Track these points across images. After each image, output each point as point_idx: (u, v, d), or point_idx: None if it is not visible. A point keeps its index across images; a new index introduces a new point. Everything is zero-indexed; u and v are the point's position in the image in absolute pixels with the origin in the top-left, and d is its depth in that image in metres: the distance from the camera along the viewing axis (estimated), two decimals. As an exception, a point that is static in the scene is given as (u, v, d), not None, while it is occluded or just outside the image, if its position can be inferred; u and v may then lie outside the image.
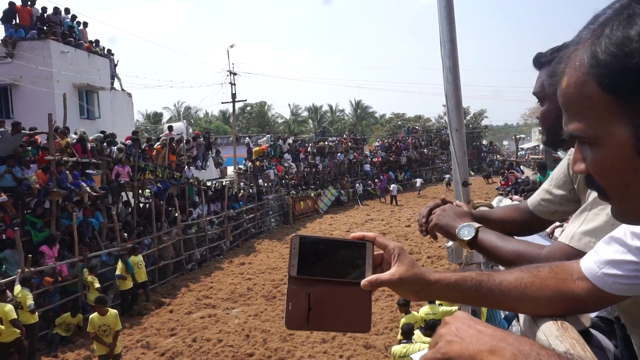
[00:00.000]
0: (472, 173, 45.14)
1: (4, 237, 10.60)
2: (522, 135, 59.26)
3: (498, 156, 49.67)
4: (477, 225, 1.18)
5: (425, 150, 42.82)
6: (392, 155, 38.30)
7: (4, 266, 9.94)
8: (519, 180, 15.13)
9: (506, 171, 19.88)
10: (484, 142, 56.02)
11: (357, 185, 30.67)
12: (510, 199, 12.88)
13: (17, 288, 8.85)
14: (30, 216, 11.18)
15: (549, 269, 0.85)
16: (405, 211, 26.24)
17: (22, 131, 11.54)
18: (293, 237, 0.81)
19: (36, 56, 16.49)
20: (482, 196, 28.49)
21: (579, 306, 0.82)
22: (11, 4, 16.94)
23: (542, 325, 0.79)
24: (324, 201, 27.29)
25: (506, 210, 1.51)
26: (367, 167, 34.48)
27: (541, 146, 15.98)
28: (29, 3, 17.38)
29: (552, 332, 0.74)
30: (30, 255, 9.91)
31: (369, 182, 32.38)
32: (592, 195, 1.00)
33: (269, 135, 27.61)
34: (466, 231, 1.19)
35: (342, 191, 29.21)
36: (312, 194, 26.44)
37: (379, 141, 43.26)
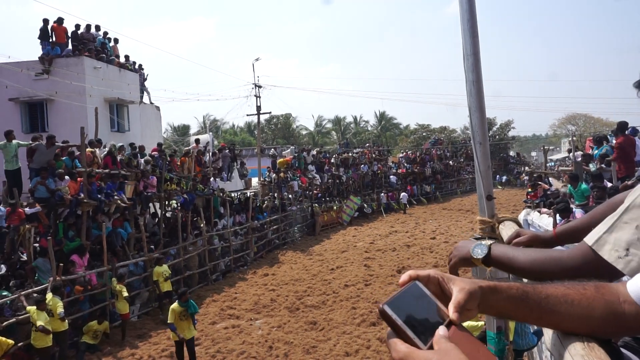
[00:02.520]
0: (500, 186, 44.30)
1: (37, 246, 10.94)
2: (551, 147, 57.90)
3: (526, 167, 48.64)
4: (489, 242, 1.17)
5: (450, 162, 42.32)
6: (416, 166, 37.98)
7: (37, 274, 10.25)
8: (548, 193, 14.74)
9: (530, 179, 19.38)
10: (511, 153, 54.97)
11: (382, 195, 30.51)
12: (539, 211, 12.56)
13: (49, 296, 9.10)
14: (63, 226, 11.53)
15: (594, 289, 0.84)
16: (430, 223, 25.90)
17: (56, 144, 11.96)
18: (382, 311, 0.77)
19: (71, 72, 17.14)
20: (509, 209, 27.89)
21: (626, 328, 0.82)
22: (46, 22, 17.70)
23: (569, 345, 0.78)
24: (347, 212, 27.21)
25: (596, 211, 1.39)
26: (393, 178, 34.27)
27: (571, 157, 15.54)
28: (64, 21, 18.12)
29: (577, 352, 0.73)
30: (62, 264, 10.20)
31: (392, 193, 32.17)
32: (628, 200, 0.96)
33: (293, 147, 27.80)
34: (479, 250, 1.17)
35: (366, 205, 29.06)
36: (335, 207, 26.41)
37: (403, 152, 42.99)
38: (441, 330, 0.75)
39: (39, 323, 8.39)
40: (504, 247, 1.15)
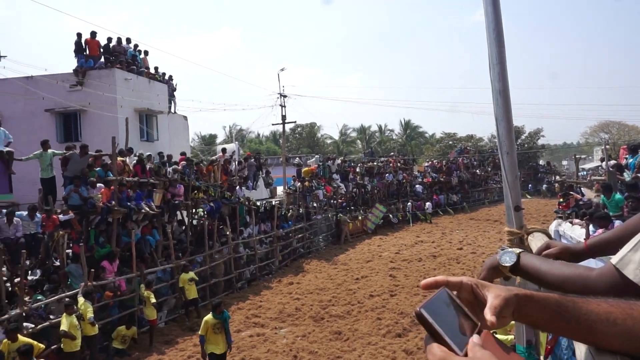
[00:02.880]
0: (528, 196, 43.24)
1: (70, 252, 11.28)
2: (583, 155, 56.24)
3: (556, 177, 47.38)
4: (518, 250, 1.15)
5: (477, 171, 41.61)
6: (442, 175, 37.50)
7: (69, 280, 10.56)
8: (580, 203, 14.30)
9: (561, 189, 18.82)
10: (541, 162, 53.67)
11: (409, 204, 30.24)
12: (571, 222, 12.19)
13: (81, 300, 9.35)
14: (95, 232, 11.85)
15: None
16: (457, 234, 25.47)
17: (89, 153, 12.36)
18: (419, 314, 0.79)
19: (103, 84, 17.73)
20: (539, 219, 27.18)
21: None
22: (79, 36, 18.39)
23: (601, 360, 0.76)
24: (372, 219, 27.05)
25: (628, 224, 1.33)
26: (419, 187, 33.92)
27: (604, 166, 15.06)
28: (97, 35, 18.79)
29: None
30: (93, 270, 10.48)
31: (418, 202, 31.84)
32: None
33: (318, 156, 27.90)
34: (507, 257, 1.15)
35: (391, 215, 28.84)
36: (360, 216, 26.30)
37: (428, 161, 42.55)
38: (475, 337, 0.76)
39: (62, 328, 8.57)
40: (534, 258, 1.12)
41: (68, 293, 9.98)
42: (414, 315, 0.81)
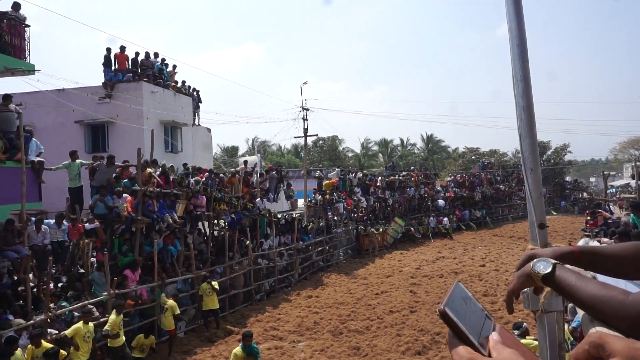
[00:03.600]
0: (554, 212, 42.21)
1: (94, 260, 11.51)
2: (612, 172, 54.69)
3: (584, 194, 46.18)
4: (554, 260, 1.11)
5: (501, 187, 40.88)
6: (465, 190, 36.98)
7: (92, 287, 10.75)
8: (609, 221, 13.89)
9: (589, 206, 18.32)
10: (568, 178, 52.44)
11: (430, 219, 29.87)
12: (599, 241, 11.83)
13: (112, 317, 9.57)
14: (118, 241, 12.08)
15: None
16: (479, 250, 25.00)
17: (115, 164, 12.67)
18: (443, 312, 0.79)
19: (130, 96, 18.22)
20: (566, 237, 26.46)
21: None
22: (109, 50, 18.99)
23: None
24: (391, 233, 26.82)
25: (624, 246, 1.32)
26: (441, 202, 33.50)
27: (633, 184, 14.65)
28: (125, 49, 19.38)
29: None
30: (116, 278, 10.65)
31: (440, 217, 31.44)
32: None
33: (339, 169, 27.90)
34: (542, 265, 1.11)
35: (413, 228, 28.54)
36: (381, 229, 26.11)
37: (451, 176, 42.07)
38: (495, 335, 0.76)
39: (67, 332, 8.71)
40: (570, 272, 1.08)
41: (91, 300, 10.16)
42: (437, 313, 0.81)
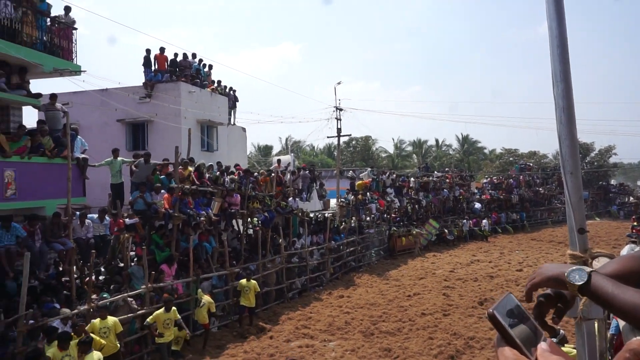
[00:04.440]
0: (597, 218, 40.50)
1: (133, 254, 11.92)
2: (661, 176, 51.94)
3: (630, 198, 44.10)
4: (589, 269, 1.08)
5: (540, 189, 39.57)
6: (502, 193, 36.02)
7: (131, 280, 11.14)
8: (656, 227, 13.22)
9: (636, 211, 17.46)
10: (613, 181, 50.20)
11: (465, 221, 29.29)
12: (645, 247, 11.29)
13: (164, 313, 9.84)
14: (156, 236, 12.45)
15: None
16: (516, 254, 24.31)
17: (153, 161, 13.08)
18: (492, 315, 0.84)
19: (169, 96, 18.72)
20: (610, 243, 25.36)
21: None
22: (148, 51, 19.59)
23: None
24: (425, 235, 26.49)
25: (622, 261, 1.30)
26: (478, 205, 32.77)
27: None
28: (165, 50, 19.96)
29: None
30: (153, 272, 11.00)
31: (474, 220, 30.78)
32: None
33: (370, 170, 27.73)
34: (577, 275, 1.09)
35: (446, 230, 28.06)
36: (414, 231, 25.82)
37: (487, 178, 41.07)
38: (544, 344, 0.79)
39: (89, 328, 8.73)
40: (606, 280, 1.05)
41: (131, 293, 10.54)
42: (486, 316, 0.85)
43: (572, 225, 1.46)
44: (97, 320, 8.93)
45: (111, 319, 9.05)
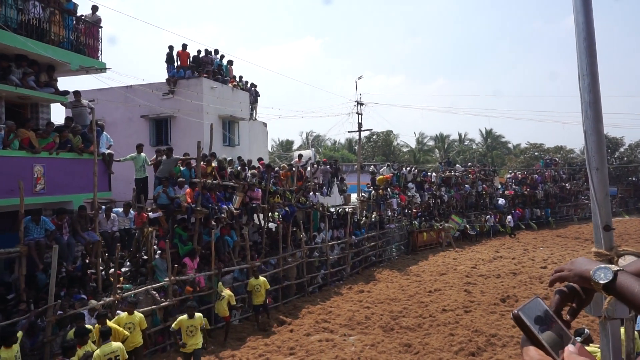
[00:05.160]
0: (626, 215, 39.34)
1: (156, 248, 12.17)
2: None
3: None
4: (615, 267, 1.06)
5: (567, 185, 38.63)
6: (526, 188, 35.33)
7: (155, 273, 11.38)
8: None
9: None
10: (644, 177, 48.65)
11: (488, 217, 28.85)
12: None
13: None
14: (179, 229, 12.67)
15: None
16: (541, 251, 23.85)
17: (174, 156, 13.29)
18: (517, 316, 0.87)
19: (191, 92, 18.96)
20: (639, 241, 24.64)
21: None
22: (171, 48, 19.85)
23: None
24: (442, 234, 26.28)
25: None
26: (502, 201, 32.25)
27: None
28: (187, 47, 20.19)
29: None
30: (177, 265, 11.21)
31: (498, 216, 30.31)
32: None
33: (387, 166, 27.56)
34: (602, 274, 1.06)
35: (468, 226, 27.72)
36: (436, 226, 25.60)
37: (511, 173, 40.33)
38: (571, 347, 0.81)
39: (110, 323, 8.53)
40: (633, 279, 1.03)
41: (154, 285, 10.76)
42: (511, 317, 0.87)
43: (598, 222, 1.43)
44: (124, 314, 9.02)
45: (138, 315, 9.11)
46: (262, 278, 12.70)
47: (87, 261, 10.88)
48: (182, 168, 13.19)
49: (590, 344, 6.61)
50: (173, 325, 9.13)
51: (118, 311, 9.47)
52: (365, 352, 10.37)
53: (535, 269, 19.18)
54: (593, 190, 1.41)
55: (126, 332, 8.71)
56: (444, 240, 25.60)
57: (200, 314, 9.39)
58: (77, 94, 11.92)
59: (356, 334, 11.83)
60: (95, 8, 12.65)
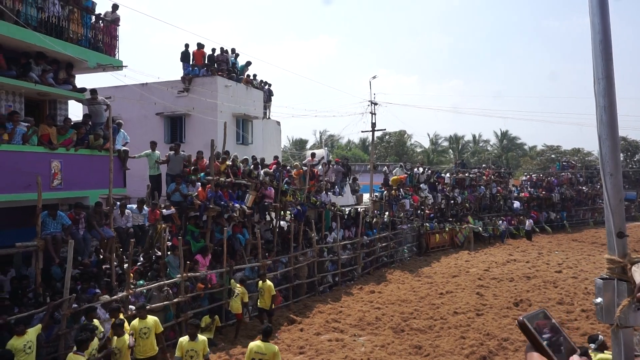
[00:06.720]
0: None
1: (169, 244, 12.29)
2: None
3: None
4: None
5: (583, 188, 37.99)
6: (542, 191, 34.84)
7: (168, 269, 11.49)
8: None
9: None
10: (663, 182, 47.63)
11: (500, 222, 28.52)
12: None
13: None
14: (192, 226, 12.78)
15: None
16: (556, 255, 23.51)
17: (182, 153, 13.39)
18: (522, 323, 0.90)
19: (205, 90, 19.09)
20: (656, 246, 24.11)
21: None
22: (187, 46, 20.02)
23: None
24: (463, 232, 26.07)
25: None
26: (517, 204, 31.86)
27: None
28: (204, 47, 20.34)
29: None
30: (189, 262, 11.30)
31: (513, 219, 29.95)
32: None
33: (402, 165, 27.42)
34: None
35: (481, 228, 27.44)
36: (447, 228, 25.41)
37: (526, 175, 39.82)
38: (576, 357, 0.84)
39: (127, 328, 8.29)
40: None
41: (167, 281, 10.87)
42: (516, 323, 0.92)
43: (611, 229, 1.40)
44: (136, 321, 8.47)
45: (151, 319, 8.55)
46: (268, 282, 11.98)
47: (101, 256, 11.04)
48: (201, 174, 13.29)
49: (605, 351, 6.51)
50: (176, 353, 7.81)
51: (131, 305, 9.56)
52: (375, 353, 10.34)
53: (549, 273, 18.92)
54: (607, 196, 1.38)
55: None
56: (463, 240, 25.56)
57: (205, 338, 8.05)
58: (93, 91, 12.10)
59: (366, 334, 11.80)
60: (115, 7, 12.82)
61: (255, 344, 7.53)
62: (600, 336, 6.80)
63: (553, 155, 52.45)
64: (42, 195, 8.88)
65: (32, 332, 7.39)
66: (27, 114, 11.04)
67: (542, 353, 0.81)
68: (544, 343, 0.82)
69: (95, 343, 7.65)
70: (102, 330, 8.42)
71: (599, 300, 1.59)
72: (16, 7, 9.97)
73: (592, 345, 6.53)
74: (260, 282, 12.04)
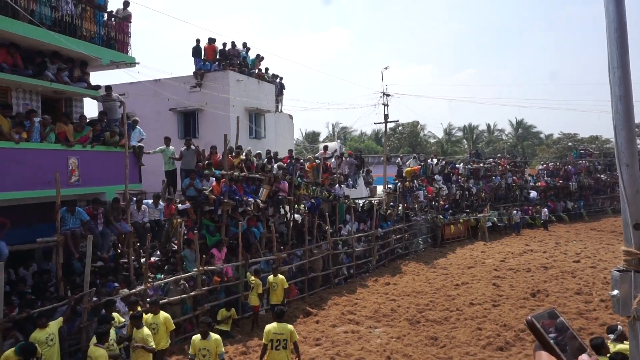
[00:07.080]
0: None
1: (185, 238, 12.44)
2: None
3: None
4: None
5: (602, 176, 37.28)
6: (559, 180, 34.31)
7: (184, 263, 11.64)
8: None
9: None
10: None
11: (515, 212, 28.19)
12: None
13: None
14: (207, 221, 12.90)
15: None
16: (573, 244, 23.19)
17: (192, 147, 13.50)
18: (530, 322, 0.87)
19: (217, 85, 19.16)
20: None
21: None
22: (198, 41, 20.08)
23: None
24: (482, 223, 25.92)
25: None
26: (534, 194, 31.41)
27: None
28: (215, 41, 20.38)
29: None
30: (205, 256, 11.43)
31: (526, 208, 29.56)
32: None
33: (416, 157, 27.22)
34: None
35: (495, 218, 27.17)
36: (462, 219, 25.21)
37: (542, 164, 39.22)
38: (585, 356, 0.80)
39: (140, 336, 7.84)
40: None
41: (183, 275, 11.02)
42: (524, 323, 0.90)
43: (628, 220, 1.38)
44: (148, 315, 8.40)
45: (162, 315, 8.40)
46: (280, 276, 11.85)
47: (118, 251, 11.23)
48: (206, 162, 13.39)
49: (625, 341, 6.42)
50: (190, 351, 7.64)
51: (149, 299, 9.72)
52: (391, 345, 10.37)
53: (567, 262, 18.68)
54: (623, 187, 1.36)
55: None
56: (481, 230, 25.47)
57: (218, 337, 7.63)
58: (108, 88, 12.23)
59: (382, 326, 11.83)
60: (126, 4, 12.92)
61: (272, 325, 7.60)
62: (619, 326, 6.71)
63: (570, 143, 51.57)
64: (60, 192, 9.04)
65: (54, 325, 7.56)
66: (44, 112, 11.22)
67: (551, 352, 0.79)
68: (553, 342, 0.80)
69: (112, 334, 7.80)
70: (123, 320, 8.58)
71: (615, 292, 1.57)
72: (30, 7, 10.11)
73: (611, 336, 6.45)
74: (272, 276, 11.85)
